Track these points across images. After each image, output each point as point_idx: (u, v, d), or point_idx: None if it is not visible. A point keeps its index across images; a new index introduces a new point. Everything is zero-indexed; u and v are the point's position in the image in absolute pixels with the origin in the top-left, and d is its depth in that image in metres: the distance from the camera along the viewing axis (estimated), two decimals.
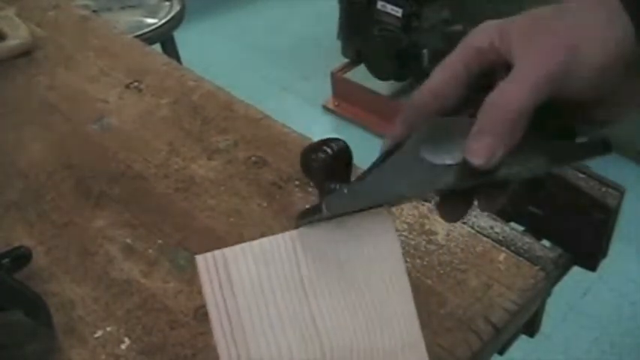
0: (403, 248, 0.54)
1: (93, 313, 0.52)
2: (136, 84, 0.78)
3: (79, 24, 0.90)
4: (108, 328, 0.51)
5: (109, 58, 0.83)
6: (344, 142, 0.40)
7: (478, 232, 0.57)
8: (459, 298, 0.52)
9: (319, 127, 2.28)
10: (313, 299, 0.39)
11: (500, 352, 0.57)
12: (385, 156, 0.39)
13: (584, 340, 1.59)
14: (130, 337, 0.51)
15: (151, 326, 0.51)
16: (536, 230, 0.58)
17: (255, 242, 0.40)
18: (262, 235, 0.58)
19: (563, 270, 0.57)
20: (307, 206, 0.39)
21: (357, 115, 2.25)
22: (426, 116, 0.39)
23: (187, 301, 0.53)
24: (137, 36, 1.39)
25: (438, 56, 2.10)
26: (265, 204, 0.61)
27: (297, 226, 0.41)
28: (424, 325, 0.41)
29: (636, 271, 1.74)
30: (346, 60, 2.33)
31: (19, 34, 0.84)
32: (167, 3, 1.68)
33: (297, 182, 0.63)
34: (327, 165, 0.39)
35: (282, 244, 0.40)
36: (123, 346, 0.50)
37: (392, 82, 2.17)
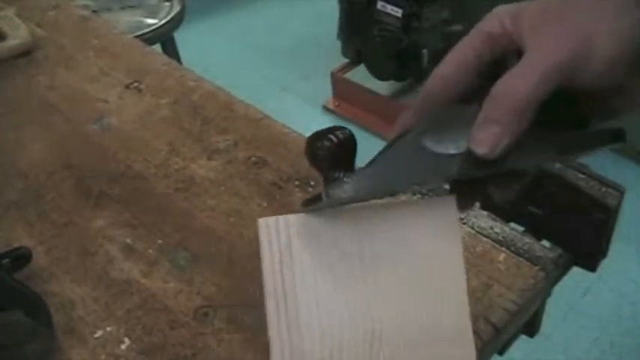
0: None
1: (93, 313, 0.52)
2: (136, 84, 0.78)
3: (79, 24, 0.90)
4: (108, 328, 0.51)
5: (109, 58, 0.83)
6: (349, 131, 0.40)
7: (478, 232, 0.57)
8: None
9: (319, 128, 2.26)
10: (370, 276, 0.39)
11: (500, 353, 0.57)
12: (389, 146, 0.39)
13: (584, 340, 1.59)
14: (130, 337, 0.51)
15: (150, 326, 0.51)
16: (536, 230, 0.58)
17: (321, 212, 0.39)
18: None
19: (563, 270, 0.57)
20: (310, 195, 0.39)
21: (357, 115, 2.25)
22: (437, 104, 0.39)
23: (187, 301, 0.53)
24: (137, 36, 1.40)
25: (438, 56, 2.10)
26: (265, 204, 0.61)
27: (304, 210, 0.40)
28: None
29: (636, 271, 1.74)
30: (346, 60, 2.33)
31: (19, 34, 0.84)
32: (167, 3, 1.68)
33: (297, 182, 0.63)
34: (332, 153, 0.39)
35: (345, 218, 0.40)
36: (123, 346, 0.50)
37: (392, 82, 2.17)
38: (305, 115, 2.30)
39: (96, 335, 0.51)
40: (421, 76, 2.11)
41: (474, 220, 0.58)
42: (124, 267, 0.56)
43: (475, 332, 0.49)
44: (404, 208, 0.40)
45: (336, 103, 2.34)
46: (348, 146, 0.40)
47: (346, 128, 0.40)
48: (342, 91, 2.31)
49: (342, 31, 2.28)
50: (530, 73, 0.35)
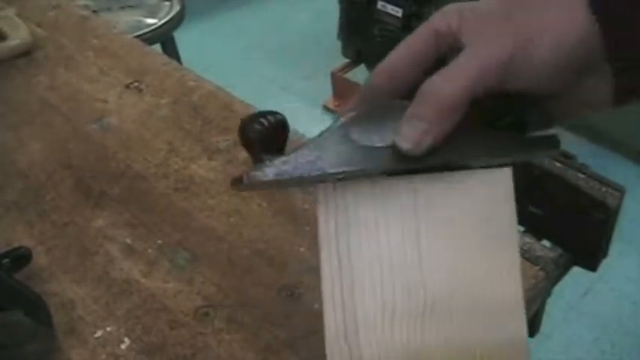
0: None
1: (93, 313, 0.52)
2: (136, 84, 0.78)
3: (79, 24, 0.90)
4: (108, 328, 0.51)
5: (109, 58, 0.83)
6: (282, 116, 0.41)
7: None
8: None
9: (319, 127, 2.26)
10: (425, 249, 0.39)
11: None
12: (319, 135, 0.39)
13: (584, 340, 1.59)
14: (129, 337, 0.51)
15: (150, 326, 0.51)
16: (536, 230, 0.58)
17: (380, 180, 0.39)
18: (263, 235, 0.58)
19: (564, 270, 0.57)
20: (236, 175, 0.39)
21: None
22: (380, 97, 0.39)
23: (187, 301, 0.53)
24: (137, 36, 1.39)
25: None
26: (265, 204, 0.61)
27: (233, 189, 0.40)
28: None
29: (636, 271, 1.74)
30: (346, 60, 2.33)
31: (19, 34, 0.84)
32: (167, 3, 1.68)
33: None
34: (263, 136, 0.40)
35: (403, 188, 0.39)
36: (123, 346, 0.50)
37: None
38: (305, 115, 2.30)
39: (96, 335, 0.51)
40: None
41: None
42: (124, 267, 0.56)
43: None
44: (462, 179, 0.40)
45: (337, 103, 2.34)
46: (278, 130, 0.40)
47: (279, 113, 0.41)
48: (343, 91, 2.31)
49: (342, 31, 2.28)
50: (458, 75, 0.35)
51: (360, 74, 2.25)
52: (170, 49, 1.69)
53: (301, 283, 0.53)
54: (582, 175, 0.54)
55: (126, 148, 0.68)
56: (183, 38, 1.77)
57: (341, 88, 2.32)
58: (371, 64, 2.16)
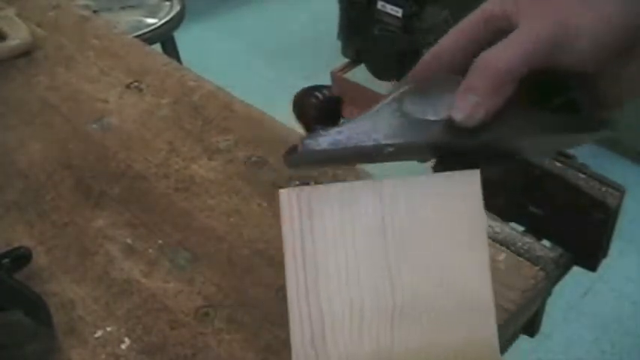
0: None
1: (93, 313, 0.52)
2: (136, 84, 0.78)
3: (79, 24, 0.90)
4: (108, 328, 0.51)
5: (109, 58, 0.83)
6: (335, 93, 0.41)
7: None
8: None
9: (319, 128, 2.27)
10: (393, 249, 0.39)
11: (501, 352, 0.57)
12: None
13: (584, 340, 1.59)
14: (130, 337, 0.51)
15: (151, 326, 0.51)
16: (536, 230, 0.58)
17: (344, 184, 0.40)
18: (263, 235, 0.58)
19: (564, 270, 0.57)
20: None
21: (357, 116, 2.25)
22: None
23: (187, 301, 0.53)
24: (137, 36, 1.39)
25: None
26: (265, 204, 0.61)
27: (285, 164, 0.40)
28: None
29: (636, 271, 1.74)
30: (346, 60, 2.33)
31: (19, 34, 0.84)
32: (167, 3, 1.68)
33: (297, 182, 0.63)
34: (317, 109, 0.40)
35: (369, 191, 0.39)
36: (123, 346, 0.50)
37: (392, 82, 2.17)
38: None
39: (96, 335, 0.51)
40: None
41: None
42: (124, 267, 0.56)
43: None
44: (427, 182, 0.40)
45: None
46: (332, 104, 0.40)
47: (331, 87, 0.41)
48: (342, 90, 2.31)
49: (342, 31, 2.28)
50: (513, 47, 0.36)
51: (360, 74, 2.25)
52: (170, 49, 1.69)
53: None
54: (582, 175, 0.54)
55: (126, 148, 0.68)
56: (183, 38, 1.77)
57: (341, 88, 2.32)
58: (371, 64, 2.16)
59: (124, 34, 0.90)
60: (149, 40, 1.47)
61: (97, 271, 0.56)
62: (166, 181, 0.64)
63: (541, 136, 0.39)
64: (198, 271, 0.55)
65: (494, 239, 0.56)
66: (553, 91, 0.38)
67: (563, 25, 0.36)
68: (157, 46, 1.62)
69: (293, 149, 0.38)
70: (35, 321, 0.48)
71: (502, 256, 0.55)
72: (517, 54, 0.36)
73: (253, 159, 0.66)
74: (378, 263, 0.39)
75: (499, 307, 0.51)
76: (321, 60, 2.44)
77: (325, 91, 0.41)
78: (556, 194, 0.55)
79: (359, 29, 2.16)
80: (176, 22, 1.64)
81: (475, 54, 0.38)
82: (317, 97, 0.41)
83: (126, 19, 1.62)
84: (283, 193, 0.39)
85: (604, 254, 0.57)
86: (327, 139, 0.38)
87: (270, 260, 0.55)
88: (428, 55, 0.40)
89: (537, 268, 0.54)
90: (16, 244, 0.56)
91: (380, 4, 2.04)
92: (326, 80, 2.33)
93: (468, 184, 0.40)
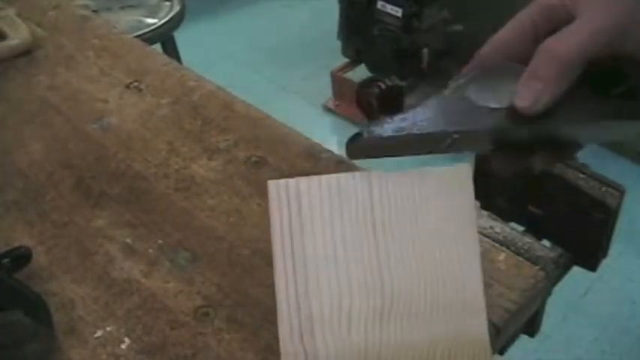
0: None
1: (93, 313, 0.52)
2: (136, 84, 0.78)
3: (79, 24, 0.90)
4: (108, 328, 0.51)
5: (109, 58, 0.83)
6: (396, 79, 0.41)
7: (478, 231, 0.57)
8: None
9: (319, 127, 2.28)
10: (382, 243, 0.39)
11: (501, 352, 0.57)
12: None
13: (584, 340, 1.59)
14: (130, 337, 0.51)
15: (151, 326, 0.51)
16: (536, 230, 0.58)
17: (332, 176, 0.39)
18: (262, 235, 0.58)
19: (564, 270, 0.57)
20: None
21: (357, 115, 2.25)
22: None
23: (187, 301, 0.53)
24: (137, 36, 1.39)
25: (437, 56, 2.10)
26: (265, 204, 0.61)
27: (347, 153, 0.40)
28: None
29: (636, 271, 1.74)
30: (346, 60, 2.33)
31: (19, 34, 0.84)
32: (167, 3, 1.68)
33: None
34: (381, 100, 0.40)
35: (359, 184, 0.39)
36: (123, 346, 0.50)
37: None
38: (305, 114, 2.30)
39: (96, 335, 0.51)
40: (421, 75, 2.11)
41: None
42: (124, 267, 0.56)
43: None
44: (417, 176, 0.40)
45: (336, 103, 2.34)
46: (394, 94, 0.40)
47: (394, 77, 0.41)
48: (342, 90, 2.31)
49: (342, 31, 2.28)
50: (574, 35, 0.37)
51: (359, 74, 2.25)
52: (170, 49, 1.69)
53: None
54: (582, 175, 0.54)
55: (126, 148, 0.68)
56: (183, 38, 1.77)
57: (341, 87, 2.32)
58: (371, 64, 2.16)
59: (123, 33, 0.90)
60: (149, 40, 1.47)
61: (97, 271, 0.56)
62: (166, 181, 0.64)
63: (602, 123, 0.39)
64: (198, 271, 0.55)
65: (494, 239, 0.56)
66: (614, 80, 0.38)
67: (627, 14, 0.37)
68: (157, 46, 1.62)
69: (357, 136, 0.38)
70: (35, 321, 0.48)
71: (502, 256, 0.55)
72: (580, 41, 0.37)
73: (253, 159, 0.66)
74: (367, 257, 0.39)
75: (499, 307, 0.51)
76: (321, 60, 2.44)
77: (387, 81, 0.41)
78: (556, 194, 0.55)
79: (359, 29, 2.17)
80: (176, 22, 1.64)
81: (534, 44, 0.39)
82: (379, 87, 0.41)
83: (126, 18, 1.62)
84: (272, 184, 0.39)
85: (604, 254, 0.57)
86: (391, 126, 0.38)
87: (270, 260, 0.55)
88: (487, 46, 0.41)
89: (537, 268, 0.54)
90: (16, 244, 0.56)
91: (380, 4, 2.04)
92: (326, 80, 2.33)
93: (459, 178, 0.40)
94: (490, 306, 0.51)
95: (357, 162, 0.59)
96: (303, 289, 0.38)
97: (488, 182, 0.47)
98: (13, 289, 0.51)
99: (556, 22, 0.39)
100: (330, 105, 2.35)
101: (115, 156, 0.67)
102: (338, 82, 2.32)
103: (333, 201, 0.39)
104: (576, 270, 0.58)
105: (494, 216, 0.58)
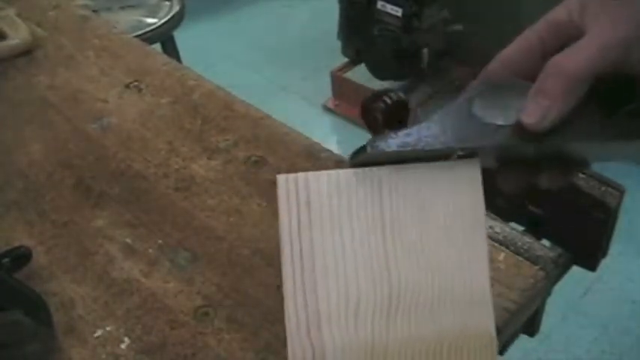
0: None
1: (93, 313, 0.52)
2: (136, 84, 0.78)
3: (79, 24, 0.90)
4: (108, 328, 0.51)
5: (109, 57, 0.83)
6: (403, 94, 0.41)
7: None
8: None
9: (319, 127, 2.28)
10: (390, 239, 0.39)
11: (501, 352, 0.57)
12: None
13: (584, 340, 1.59)
14: (129, 337, 0.51)
15: (150, 326, 0.51)
16: (535, 230, 0.58)
17: (341, 171, 0.39)
18: (262, 235, 0.58)
19: (563, 270, 0.57)
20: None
21: (357, 115, 2.24)
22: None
23: (187, 301, 0.53)
24: (137, 36, 1.39)
25: (437, 56, 2.11)
26: (265, 204, 0.61)
27: (350, 166, 0.40)
28: None
29: (636, 271, 1.74)
30: (346, 60, 2.33)
31: (19, 34, 0.84)
32: (167, 3, 1.68)
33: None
34: (386, 115, 0.40)
35: (368, 179, 0.39)
36: (123, 346, 0.50)
37: (391, 82, 2.17)
38: (305, 114, 2.30)
39: (96, 335, 0.51)
40: (421, 75, 2.11)
41: None
42: (124, 267, 0.56)
43: None
44: (426, 170, 0.40)
45: (336, 103, 2.34)
46: (400, 109, 0.40)
47: (399, 92, 0.41)
48: (342, 90, 2.31)
49: (342, 31, 2.28)
50: (581, 52, 0.37)
51: (359, 74, 2.25)
52: (170, 49, 1.69)
53: None
54: (582, 175, 0.54)
55: (126, 147, 0.68)
56: (183, 38, 1.77)
57: (341, 87, 2.32)
58: (371, 64, 2.16)
59: (123, 33, 0.90)
60: (149, 39, 1.47)
61: (97, 270, 0.56)
62: (166, 180, 0.64)
63: (609, 142, 0.39)
64: (198, 271, 0.55)
65: (494, 239, 0.56)
66: (623, 98, 0.38)
67: (635, 30, 0.36)
68: (157, 46, 1.62)
69: (361, 150, 0.38)
70: (35, 321, 0.48)
71: (502, 256, 0.55)
72: (589, 57, 0.36)
73: (253, 159, 0.66)
74: (374, 251, 0.39)
75: (499, 307, 0.51)
76: (321, 60, 2.44)
77: (393, 95, 0.41)
78: (556, 194, 0.55)
79: (359, 29, 2.17)
80: (176, 21, 1.64)
81: (541, 61, 0.38)
82: (385, 102, 0.40)
83: (126, 18, 1.62)
84: (281, 178, 0.39)
85: (604, 254, 0.57)
86: (396, 141, 0.38)
87: (270, 260, 0.55)
88: (494, 62, 0.41)
89: (537, 267, 0.54)
90: (16, 244, 0.56)
91: (380, 4, 2.04)
92: (326, 80, 2.33)
93: (467, 173, 0.40)
94: None
95: None
96: (310, 283, 0.38)
97: (489, 182, 0.47)
98: (13, 289, 0.51)
99: (564, 39, 0.39)
100: (330, 105, 2.35)
101: (114, 156, 0.67)
102: (338, 82, 2.32)
103: (342, 195, 0.39)
104: (576, 270, 0.58)
105: (494, 216, 0.58)
